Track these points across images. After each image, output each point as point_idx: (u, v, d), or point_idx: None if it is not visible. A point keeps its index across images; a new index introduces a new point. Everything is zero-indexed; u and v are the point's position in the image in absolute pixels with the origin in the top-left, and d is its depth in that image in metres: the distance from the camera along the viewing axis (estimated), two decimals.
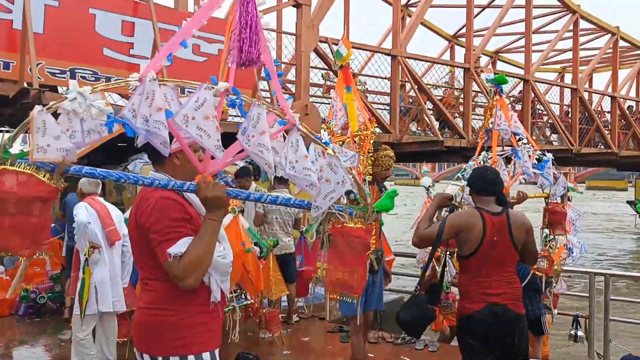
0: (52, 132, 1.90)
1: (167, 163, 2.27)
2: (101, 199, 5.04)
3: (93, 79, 7.04)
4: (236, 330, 5.34)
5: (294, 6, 9.19)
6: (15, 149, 1.97)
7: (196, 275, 2.14)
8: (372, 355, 5.41)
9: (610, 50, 17.51)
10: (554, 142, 15.33)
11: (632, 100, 18.60)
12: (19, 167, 1.89)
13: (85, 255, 4.61)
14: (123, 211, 6.52)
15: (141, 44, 7.28)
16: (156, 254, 2.17)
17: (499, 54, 20.03)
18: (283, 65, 11.41)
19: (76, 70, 6.91)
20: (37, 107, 1.88)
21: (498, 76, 4.78)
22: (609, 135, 16.27)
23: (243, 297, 5.59)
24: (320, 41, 9.64)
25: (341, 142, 4.05)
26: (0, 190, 1.83)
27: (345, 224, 2.36)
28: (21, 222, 1.86)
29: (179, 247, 2.11)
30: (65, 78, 6.87)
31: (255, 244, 5.48)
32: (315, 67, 10.10)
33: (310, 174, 2.14)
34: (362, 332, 4.35)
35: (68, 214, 6.37)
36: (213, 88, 2.05)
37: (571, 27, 15.82)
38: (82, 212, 4.71)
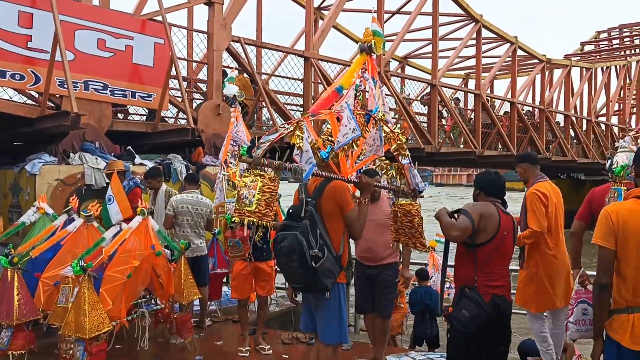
0: None
1: None
2: None
3: None
4: (145, 336, 5.15)
5: (205, 4, 9.01)
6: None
7: None
8: (287, 357, 5.41)
9: (510, 59, 18.61)
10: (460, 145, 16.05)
11: (529, 105, 19.85)
12: None
13: None
14: (20, 214, 6.11)
15: (40, 36, 6.83)
16: None
17: (408, 59, 20.74)
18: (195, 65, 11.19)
19: None
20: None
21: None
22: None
23: (153, 302, 5.40)
24: (233, 40, 9.53)
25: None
26: None
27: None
28: None
29: None
30: None
31: (166, 247, 5.31)
32: (228, 67, 9.95)
33: None
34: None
35: None
36: None
37: (474, 36, 16.67)
38: None
